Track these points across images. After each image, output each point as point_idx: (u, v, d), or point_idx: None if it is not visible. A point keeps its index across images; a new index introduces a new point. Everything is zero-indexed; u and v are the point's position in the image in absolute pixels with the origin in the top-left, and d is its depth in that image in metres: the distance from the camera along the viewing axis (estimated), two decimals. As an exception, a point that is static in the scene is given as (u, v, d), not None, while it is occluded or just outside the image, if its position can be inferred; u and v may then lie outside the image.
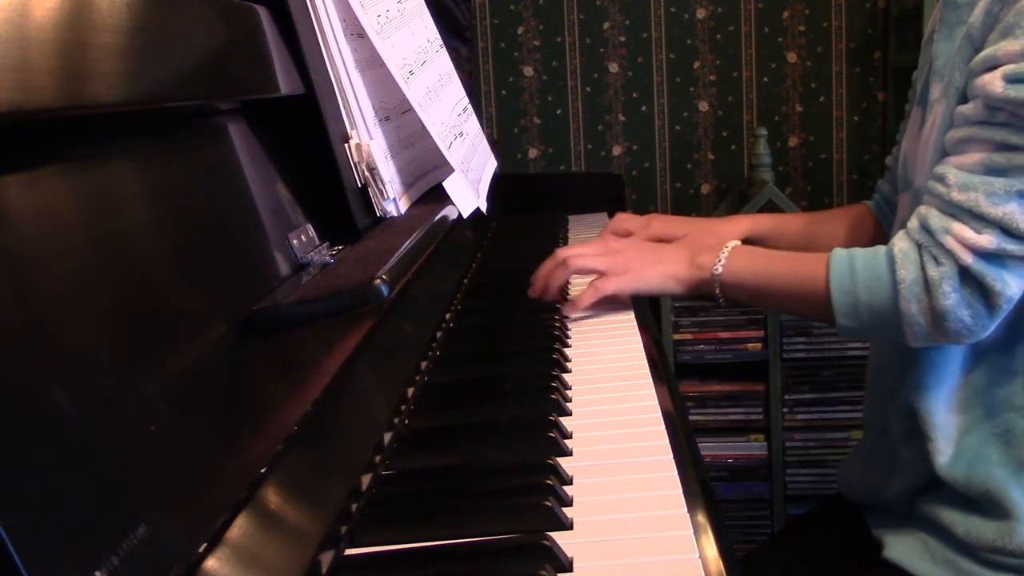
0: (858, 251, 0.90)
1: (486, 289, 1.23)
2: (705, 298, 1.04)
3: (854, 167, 2.47)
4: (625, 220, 1.26)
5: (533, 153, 2.52)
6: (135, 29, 0.56)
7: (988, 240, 0.82)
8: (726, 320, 2.20)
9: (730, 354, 2.19)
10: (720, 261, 0.97)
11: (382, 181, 0.90)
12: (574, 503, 0.61)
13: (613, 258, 1.02)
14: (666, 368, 0.89)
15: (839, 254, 0.91)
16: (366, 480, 0.64)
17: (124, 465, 0.43)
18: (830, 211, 1.27)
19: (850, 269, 0.89)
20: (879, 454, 1.03)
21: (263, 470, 0.53)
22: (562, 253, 1.04)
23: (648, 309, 1.13)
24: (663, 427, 0.72)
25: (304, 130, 0.83)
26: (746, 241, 1.18)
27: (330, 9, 0.89)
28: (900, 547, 0.96)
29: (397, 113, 1.01)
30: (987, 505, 0.89)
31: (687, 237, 1.10)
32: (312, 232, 0.78)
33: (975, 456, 0.91)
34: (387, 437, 0.71)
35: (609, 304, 1.12)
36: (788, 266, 0.95)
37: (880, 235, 1.17)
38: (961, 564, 0.90)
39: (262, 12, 0.78)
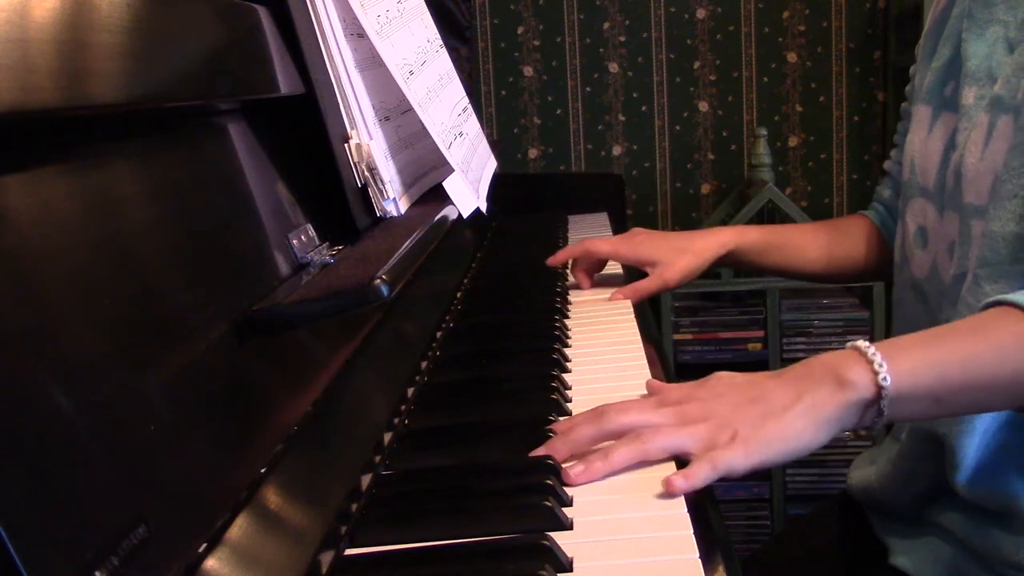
0: None
1: (486, 289, 1.24)
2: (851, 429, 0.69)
3: (854, 167, 2.47)
4: (594, 245, 1.19)
5: (533, 153, 2.52)
6: (135, 29, 0.55)
7: None
8: (726, 320, 2.20)
9: (730, 354, 2.19)
10: (880, 367, 0.66)
11: (382, 181, 0.90)
12: (574, 503, 0.61)
13: (706, 427, 0.66)
14: (666, 368, 0.89)
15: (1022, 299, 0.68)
16: (366, 480, 0.64)
17: (124, 465, 0.43)
18: (817, 223, 1.22)
19: None
20: (889, 460, 0.99)
21: (263, 470, 0.53)
22: (650, 435, 0.66)
23: (648, 309, 1.13)
24: (663, 427, 0.72)
25: (304, 130, 0.83)
26: (730, 255, 1.14)
27: (330, 9, 0.89)
28: (909, 554, 0.93)
29: (397, 113, 1.01)
30: (1006, 518, 0.86)
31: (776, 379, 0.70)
32: (312, 232, 0.78)
33: (996, 470, 0.86)
34: (387, 437, 0.71)
35: (609, 303, 1.12)
36: (972, 343, 0.69)
37: (877, 246, 1.13)
38: None
39: (262, 12, 0.78)
